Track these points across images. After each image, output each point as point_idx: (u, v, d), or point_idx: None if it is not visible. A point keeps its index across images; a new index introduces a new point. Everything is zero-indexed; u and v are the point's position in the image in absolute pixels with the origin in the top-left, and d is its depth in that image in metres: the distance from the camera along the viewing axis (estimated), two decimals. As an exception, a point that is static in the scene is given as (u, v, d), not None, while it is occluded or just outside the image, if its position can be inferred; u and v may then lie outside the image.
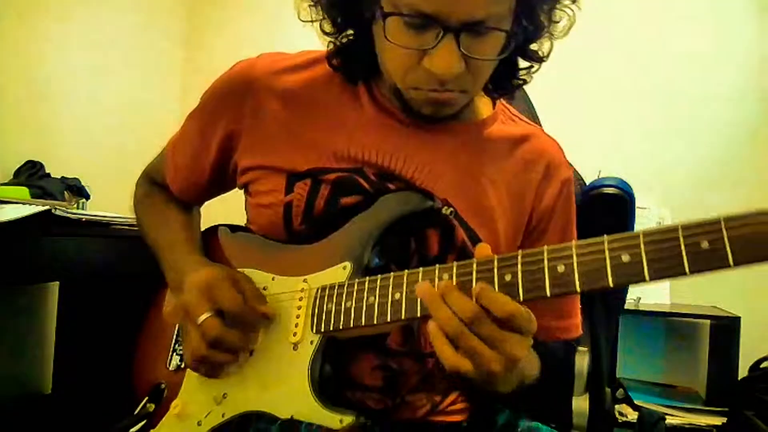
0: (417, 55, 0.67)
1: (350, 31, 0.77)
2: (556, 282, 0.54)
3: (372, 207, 0.74)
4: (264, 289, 0.76)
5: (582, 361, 1.06)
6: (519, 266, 0.57)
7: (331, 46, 0.78)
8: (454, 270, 0.60)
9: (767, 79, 2.13)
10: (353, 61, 0.78)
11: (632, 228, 1.08)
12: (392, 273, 0.65)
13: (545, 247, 0.56)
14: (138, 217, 0.94)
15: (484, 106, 0.84)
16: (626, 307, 1.62)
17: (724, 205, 2.28)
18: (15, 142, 1.80)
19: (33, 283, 1.80)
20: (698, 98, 2.18)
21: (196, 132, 0.86)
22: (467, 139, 0.80)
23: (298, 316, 0.71)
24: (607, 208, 1.04)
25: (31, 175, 1.71)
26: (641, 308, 1.93)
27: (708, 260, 0.48)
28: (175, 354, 0.83)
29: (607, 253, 0.53)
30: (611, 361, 1.91)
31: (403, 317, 0.63)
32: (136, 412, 0.80)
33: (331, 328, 0.68)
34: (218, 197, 0.95)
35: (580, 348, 1.07)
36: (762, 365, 1.86)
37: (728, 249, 0.48)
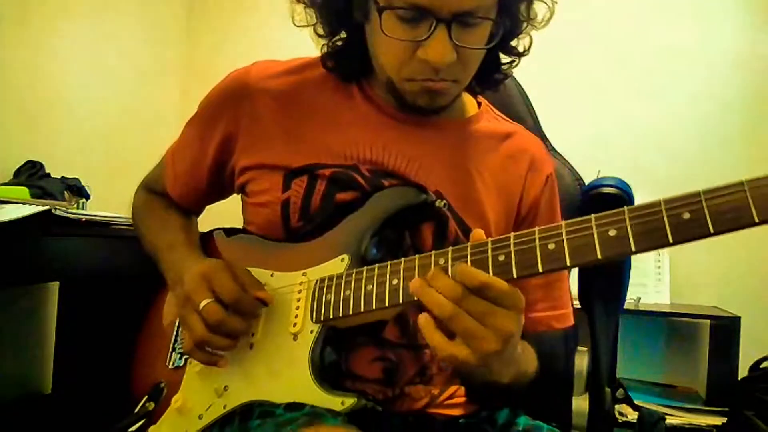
0: (411, 48, 0.70)
1: (343, 34, 0.81)
2: (547, 259, 0.57)
3: (367, 203, 0.76)
4: (263, 285, 0.77)
5: (582, 361, 1.06)
6: (512, 247, 0.59)
7: (325, 48, 0.82)
8: (450, 254, 0.62)
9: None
10: (346, 62, 0.82)
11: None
12: (389, 262, 0.67)
13: (536, 228, 0.59)
14: (137, 224, 0.96)
15: (469, 105, 0.88)
16: (626, 307, 1.62)
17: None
18: (15, 142, 1.80)
19: (33, 283, 1.80)
20: (699, 98, 2.18)
21: (195, 138, 0.89)
22: (456, 134, 0.84)
23: (297, 308, 0.73)
24: (606, 207, 1.04)
25: (31, 175, 1.71)
26: (641, 308, 1.93)
27: (690, 229, 0.51)
28: (174, 352, 0.83)
29: (594, 229, 0.56)
30: (611, 361, 1.91)
31: (401, 301, 0.65)
32: (135, 411, 0.80)
33: (331, 317, 0.69)
34: (215, 205, 0.96)
35: (580, 348, 1.07)
36: (762, 365, 1.86)
37: (708, 218, 0.51)
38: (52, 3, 1.92)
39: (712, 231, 0.51)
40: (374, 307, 0.66)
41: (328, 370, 0.70)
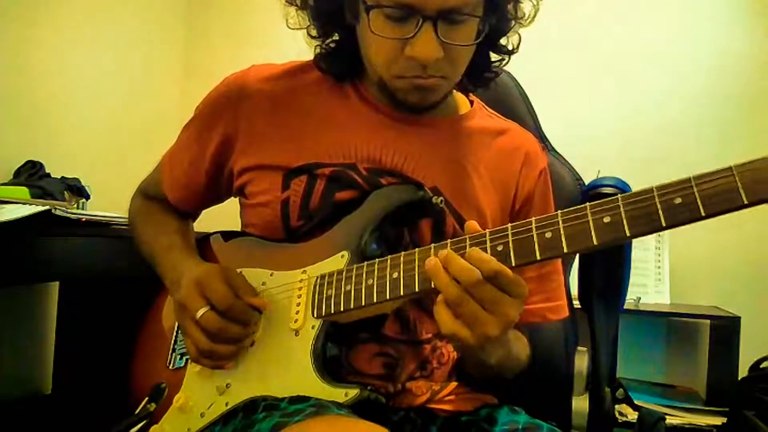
0: (400, 45, 0.72)
1: (336, 36, 0.83)
2: (544, 247, 0.59)
3: (366, 201, 0.77)
4: (263, 284, 0.78)
5: (582, 361, 1.06)
6: (509, 237, 0.61)
7: (318, 49, 0.84)
8: (449, 247, 0.64)
9: None
10: (339, 62, 0.84)
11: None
12: (389, 256, 0.68)
13: (532, 218, 0.61)
14: (134, 229, 0.96)
15: (462, 103, 0.90)
16: (626, 307, 1.62)
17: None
18: (15, 142, 1.80)
19: (33, 283, 1.80)
20: (699, 98, 2.18)
21: (193, 140, 0.89)
22: (450, 131, 0.85)
23: (298, 304, 0.73)
24: (606, 207, 1.04)
25: (31, 175, 1.71)
26: (641, 308, 1.93)
27: (682, 213, 0.53)
28: (175, 353, 0.83)
29: (589, 216, 0.58)
30: (611, 361, 1.91)
31: (401, 293, 0.65)
32: (136, 412, 0.80)
33: (332, 311, 0.70)
34: (213, 209, 0.97)
35: (580, 348, 1.07)
36: (762, 365, 1.86)
37: (699, 202, 0.52)
38: (53, 3, 1.92)
39: (703, 214, 0.52)
40: (375, 300, 0.67)
41: (330, 364, 0.70)
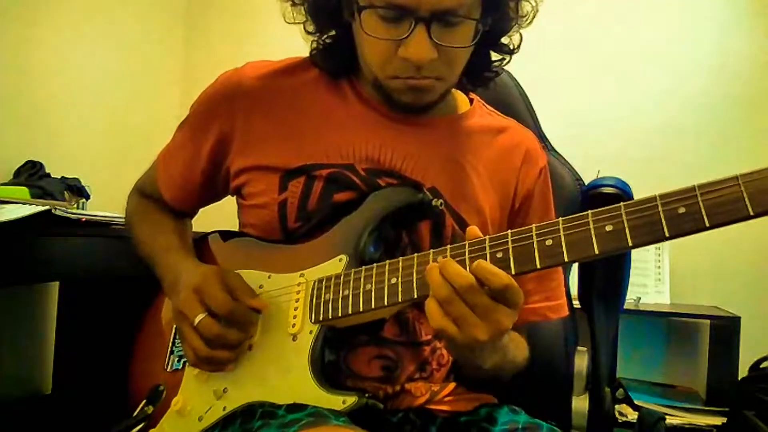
0: (393, 46, 0.71)
1: (332, 32, 0.82)
2: (545, 254, 0.58)
3: (365, 203, 0.76)
4: (260, 287, 0.77)
5: (582, 361, 1.06)
6: (509, 243, 0.60)
7: (315, 44, 0.83)
8: (448, 253, 0.63)
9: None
10: (336, 59, 0.83)
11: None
12: (387, 261, 0.68)
13: (533, 225, 0.60)
14: (131, 229, 0.95)
15: (462, 102, 0.89)
16: (626, 307, 1.62)
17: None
18: (15, 142, 1.80)
19: (33, 283, 1.80)
20: (698, 98, 2.18)
21: (188, 140, 0.88)
22: (449, 130, 0.85)
23: (296, 308, 0.73)
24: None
25: (31, 175, 1.71)
26: (641, 308, 1.93)
27: (685, 223, 0.52)
28: (173, 355, 0.83)
29: (591, 224, 0.57)
30: (611, 361, 1.91)
31: (399, 299, 0.65)
32: (134, 414, 0.80)
33: (330, 317, 0.69)
34: (210, 207, 0.96)
35: (580, 348, 1.07)
36: (762, 365, 1.86)
37: (703, 212, 0.51)
38: (53, 3, 1.92)
39: (707, 224, 0.51)
40: (373, 306, 0.67)
41: (328, 370, 0.70)
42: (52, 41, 1.93)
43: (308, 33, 0.82)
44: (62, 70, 1.97)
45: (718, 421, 1.77)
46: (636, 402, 1.83)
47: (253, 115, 0.82)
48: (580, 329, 1.07)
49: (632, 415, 1.78)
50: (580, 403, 1.03)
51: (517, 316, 0.61)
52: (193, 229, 0.98)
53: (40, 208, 1.17)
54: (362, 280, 0.68)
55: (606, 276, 1.11)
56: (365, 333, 0.77)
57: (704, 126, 2.16)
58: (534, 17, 0.80)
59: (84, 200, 1.76)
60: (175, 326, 0.84)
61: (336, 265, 0.73)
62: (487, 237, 0.62)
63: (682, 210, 0.52)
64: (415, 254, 0.66)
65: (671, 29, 2.21)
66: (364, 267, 0.69)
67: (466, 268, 0.60)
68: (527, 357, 0.83)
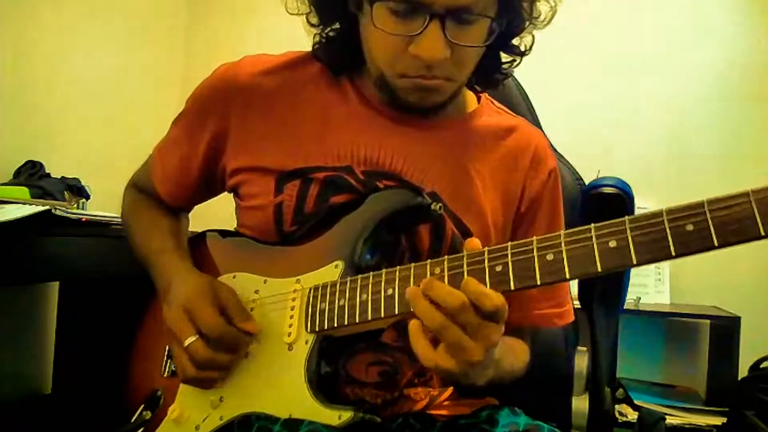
0: (404, 42, 0.68)
1: (336, 25, 0.78)
2: (546, 270, 0.56)
3: (362, 205, 0.74)
4: (256, 292, 0.76)
5: (582, 361, 1.06)
6: (509, 257, 0.58)
7: (317, 38, 0.80)
8: (445, 263, 0.61)
9: None
10: (339, 53, 0.79)
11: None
12: (384, 270, 0.66)
13: (534, 238, 0.57)
14: (126, 225, 0.94)
15: (469, 100, 0.86)
16: (626, 307, 1.62)
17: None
18: (15, 142, 1.80)
19: (33, 283, 1.80)
20: (700, 98, 2.18)
21: (183, 136, 0.86)
22: (453, 131, 0.81)
23: (291, 317, 0.71)
24: (606, 207, 1.04)
25: (31, 175, 1.71)
26: (641, 308, 1.93)
27: (693, 242, 0.50)
28: (169, 360, 0.82)
29: (594, 239, 0.54)
30: (611, 361, 1.91)
31: (396, 312, 0.63)
32: (132, 420, 0.79)
33: (326, 327, 0.68)
34: (209, 204, 0.94)
35: (580, 348, 1.07)
36: (762, 365, 1.86)
37: (712, 231, 0.49)
38: (53, 4, 1.92)
39: (716, 244, 0.49)
40: (369, 317, 0.65)
41: (325, 381, 0.69)
42: (52, 41, 1.92)
43: (311, 25, 0.79)
44: (62, 70, 1.96)
45: (718, 421, 1.77)
46: (636, 402, 1.83)
47: (248, 113, 0.80)
48: (580, 329, 1.08)
49: (632, 415, 1.78)
50: (580, 403, 1.03)
51: (503, 330, 0.59)
52: (191, 226, 0.98)
53: (40, 208, 1.17)
54: (358, 288, 0.66)
55: (606, 276, 1.11)
56: (363, 340, 0.75)
57: (706, 126, 2.17)
58: (551, 19, 0.77)
59: (84, 200, 1.76)
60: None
61: (332, 271, 0.71)
62: (486, 249, 0.60)
63: (690, 227, 0.50)
64: (412, 264, 0.64)
65: (674, 28, 2.21)
66: (360, 276, 0.67)
67: (463, 277, 0.58)
68: (527, 362, 0.81)
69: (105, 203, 1.62)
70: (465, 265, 0.60)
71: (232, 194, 0.87)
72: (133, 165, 0.99)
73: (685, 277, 2.10)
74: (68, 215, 1.23)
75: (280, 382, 0.70)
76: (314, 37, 0.80)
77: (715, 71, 2.17)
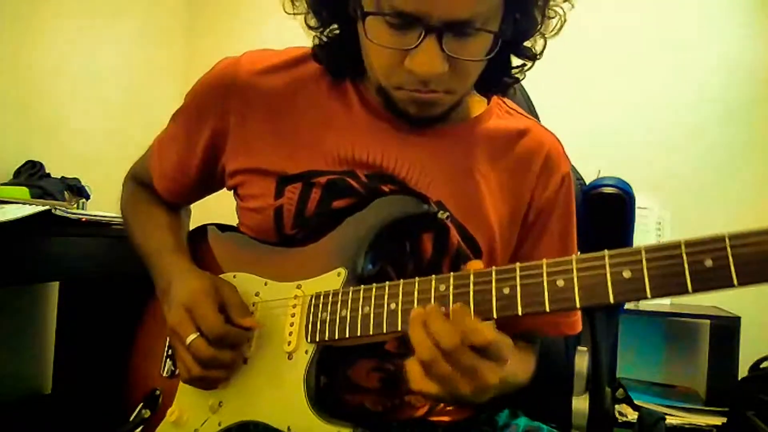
0: (400, 55, 0.65)
1: (335, 26, 0.75)
2: (555, 297, 0.54)
3: (366, 209, 0.72)
4: (256, 294, 0.75)
5: (582, 361, 1.06)
6: (517, 279, 0.56)
7: (317, 40, 0.76)
8: (451, 281, 0.59)
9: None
10: (339, 57, 0.76)
11: (632, 228, 1.08)
12: (387, 282, 0.64)
13: (544, 261, 0.55)
14: (125, 219, 0.92)
15: (476, 102, 0.82)
16: (626, 307, 1.62)
17: (726, 207, 2.28)
18: (15, 142, 1.80)
19: (33, 283, 1.80)
20: (700, 98, 2.18)
21: (182, 133, 0.84)
22: (460, 137, 0.78)
23: (292, 324, 0.70)
24: (606, 208, 1.04)
25: (31, 175, 1.71)
26: (641, 308, 1.93)
27: (711, 279, 0.47)
28: (169, 359, 0.81)
29: (608, 268, 0.52)
30: (611, 361, 1.91)
31: (399, 329, 0.62)
32: (131, 418, 0.79)
33: (326, 338, 0.67)
34: (212, 196, 0.92)
35: (580, 348, 1.07)
36: (762, 365, 1.86)
37: (732, 268, 0.46)
38: (53, 3, 1.92)
39: (735, 283, 0.46)
40: (371, 332, 0.63)
41: (324, 393, 0.68)
42: (52, 41, 1.92)
43: (309, 28, 0.75)
44: (62, 70, 1.97)
45: (718, 421, 1.77)
46: (636, 402, 1.83)
47: (248, 114, 0.78)
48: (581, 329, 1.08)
49: (632, 415, 1.78)
50: (580, 403, 1.03)
51: (504, 370, 0.57)
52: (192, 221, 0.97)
53: (40, 208, 1.17)
54: (360, 301, 0.65)
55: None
56: (365, 349, 0.74)
57: (708, 125, 2.16)
58: (562, 27, 0.73)
59: (84, 200, 1.76)
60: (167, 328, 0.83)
61: (334, 279, 0.70)
62: (494, 269, 0.57)
63: (708, 262, 0.47)
64: (417, 279, 0.62)
65: (675, 27, 2.21)
66: (363, 287, 0.66)
67: (469, 302, 0.57)
68: (533, 371, 0.79)
69: (105, 203, 1.62)
70: (471, 285, 0.58)
71: (232, 192, 0.86)
72: (134, 165, 0.99)
73: (685, 277, 2.09)
74: (68, 215, 1.23)
75: (279, 391, 0.69)
76: (313, 39, 0.77)
77: (718, 71, 2.17)
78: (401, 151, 0.75)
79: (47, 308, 1.88)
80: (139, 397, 0.81)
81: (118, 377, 0.89)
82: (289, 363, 0.69)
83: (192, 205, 0.97)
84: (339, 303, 0.67)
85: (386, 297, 0.63)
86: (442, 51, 0.63)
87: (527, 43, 0.74)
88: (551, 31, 0.73)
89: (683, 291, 0.48)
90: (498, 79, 0.77)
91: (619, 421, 1.79)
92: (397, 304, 0.62)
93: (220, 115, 0.79)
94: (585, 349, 1.08)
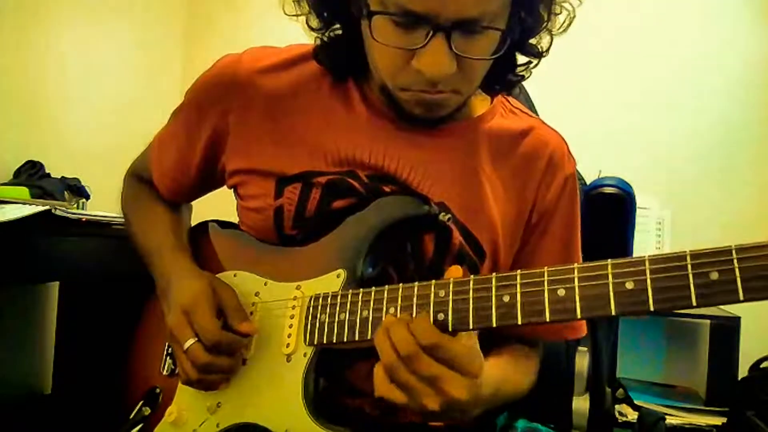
0: (407, 55, 0.64)
1: (337, 27, 0.74)
2: (556, 307, 0.53)
3: (367, 209, 0.72)
4: (256, 294, 0.75)
5: (582, 361, 1.06)
6: (518, 287, 0.55)
7: (318, 41, 0.75)
8: (451, 287, 0.59)
9: None
10: (341, 58, 0.75)
11: (632, 228, 1.08)
12: (387, 287, 0.64)
13: (545, 269, 0.55)
14: (126, 216, 0.92)
15: (480, 101, 0.81)
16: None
17: (726, 207, 2.27)
18: (15, 142, 1.80)
19: (33, 283, 1.80)
20: (701, 98, 2.18)
21: (182, 132, 0.84)
22: (463, 137, 0.77)
23: (291, 326, 0.70)
24: (607, 208, 1.04)
25: (31, 175, 1.71)
26: (641, 308, 1.93)
27: (717, 293, 0.46)
28: (169, 358, 0.81)
29: (610, 278, 0.51)
30: (611, 361, 1.91)
31: None
32: (131, 416, 0.79)
33: (325, 341, 0.67)
34: (213, 193, 0.92)
35: (580, 348, 1.07)
36: (762, 365, 1.86)
37: (739, 282, 0.45)
38: (53, 3, 1.92)
39: (741, 297, 0.46)
40: (369, 336, 0.63)
41: (322, 397, 0.68)
42: (52, 41, 1.92)
43: (311, 29, 0.74)
44: (62, 70, 1.96)
45: (718, 421, 1.77)
46: (636, 402, 1.83)
47: (248, 113, 0.77)
48: (581, 329, 1.07)
49: (632, 415, 1.78)
50: (581, 403, 1.03)
51: (474, 385, 0.57)
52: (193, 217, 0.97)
53: (40, 208, 1.17)
54: (359, 304, 0.65)
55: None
56: (363, 351, 0.72)
57: (709, 125, 2.16)
58: (570, 24, 0.72)
59: (84, 200, 1.76)
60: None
61: (333, 281, 0.69)
62: (494, 276, 0.57)
63: (714, 275, 0.46)
64: (416, 284, 0.61)
65: (675, 27, 2.21)
66: (362, 290, 0.66)
67: (469, 308, 0.56)
68: (533, 379, 0.78)
69: (105, 203, 1.62)
70: (471, 291, 0.57)
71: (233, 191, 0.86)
72: (134, 165, 0.99)
73: (685, 277, 2.09)
74: (68, 215, 1.23)
75: (278, 394, 0.69)
76: (315, 40, 0.76)
77: (719, 71, 2.16)
78: (403, 151, 0.75)
79: (47, 308, 1.88)
80: (140, 395, 0.81)
81: (118, 377, 0.89)
82: (287, 365, 0.69)
83: (193, 201, 0.97)
84: (338, 306, 0.67)
85: (385, 301, 0.63)
86: (450, 50, 0.62)
87: (533, 41, 0.73)
88: (558, 28, 0.72)
89: (687, 305, 0.47)
90: (503, 77, 0.76)
91: (619, 421, 1.79)
92: (396, 309, 0.62)
93: (221, 113, 0.79)
94: (585, 349, 1.08)
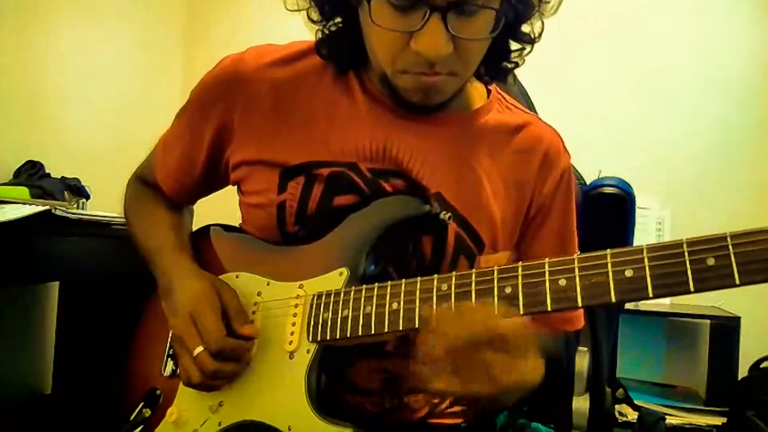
0: (404, 38, 0.66)
1: (338, 19, 0.76)
2: (557, 296, 0.54)
3: (368, 208, 0.73)
4: (258, 294, 0.76)
5: (582, 361, 1.06)
6: (519, 279, 0.57)
7: (320, 34, 0.77)
8: (453, 281, 0.60)
9: None
10: (342, 50, 0.77)
11: (632, 228, 1.08)
12: (389, 282, 0.65)
13: (546, 260, 0.56)
14: (128, 220, 0.93)
15: (478, 95, 0.82)
16: (626, 307, 1.62)
17: (726, 207, 2.28)
18: (15, 142, 1.80)
19: (33, 283, 1.80)
20: (701, 98, 2.18)
21: (187, 130, 0.85)
22: (462, 129, 0.79)
23: (293, 324, 0.71)
24: (607, 208, 1.04)
25: (31, 175, 1.71)
26: (641, 308, 1.93)
27: (714, 278, 0.48)
28: (169, 359, 0.81)
29: (609, 267, 0.52)
30: (611, 361, 1.91)
31: (401, 328, 0.62)
32: (132, 417, 0.79)
33: (328, 338, 0.67)
34: (214, 195, 0.93)
35: (580, 348, 1.07)
36: (762, 365, 1.86)
37: (735, 267, 0.47)
38: (53, 3, 1.92)
39: (737, 281, 0.47)
40: (373, 331, 0.64)
41: (325, 393, 0.68)
42: (52, 41, 1.92)
43: (312, 21, 0.76)
44: (62, 70, 1.97)
45: (718, 421, 1.78)
46: (636, 402, 1.83)
47: (252, 107, 0.78)
48: (581, 329, 1.07)
49: (632, 415, 1.78)
50: (581, 403, 1.03)
51: (522, 367, 0.58)
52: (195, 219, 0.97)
53: (40, 208, 1.17)
54: (362, 300, 0.66)
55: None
56: (366, 349, 0.74)
57: (709, 125, 2.16)
58: (559, 6, 0.74)
59: (84, 200, 1.76)
60: (171, 333, 0.82)
61: (336, 279, 0.70)
62: (496, 268, 0.58)
63: (711, 261, 0.48)
64: (419, 278, 0.63)
65: (677, 27, 2.21)
66: (365, 286, 0.66)
67: (471, 299, 0.58)
68: (543, 373, 0.79)
69: (105, 203, 1.62)
70: (473, 284, 0.58)
71: (236, 188, 0.86)
72: (134, 165, 0.99)
73: (685, 277, 2.09)
74: (68, 215, 1.23)
75: (280, 391, 0.69)
76: (316, 33, 0.77)
77: (718, 71, 2.17)
78: (403, 137, 0.76)
79: (47, 308, 1.88)
80: (140, 396, 0.81)
81: (118, 377, 0.89)
82: (290, 362, 0.69)
83: (194, 206, 0.97)
84: (341, 302, 0.67)
85: (388, 296, 0.64)
86: (447, 31, 0.63)
87: (525, 28, 0.75)
88: (549, 10, 0.74)
89: (685, 290, 0.49)
90: (497, 64, 0.78)
91: (619, 421, 1.79)
92: (399, 304, 0.63)
93: (225, 111, 0.80)
94: (585, 349, 1.08)
